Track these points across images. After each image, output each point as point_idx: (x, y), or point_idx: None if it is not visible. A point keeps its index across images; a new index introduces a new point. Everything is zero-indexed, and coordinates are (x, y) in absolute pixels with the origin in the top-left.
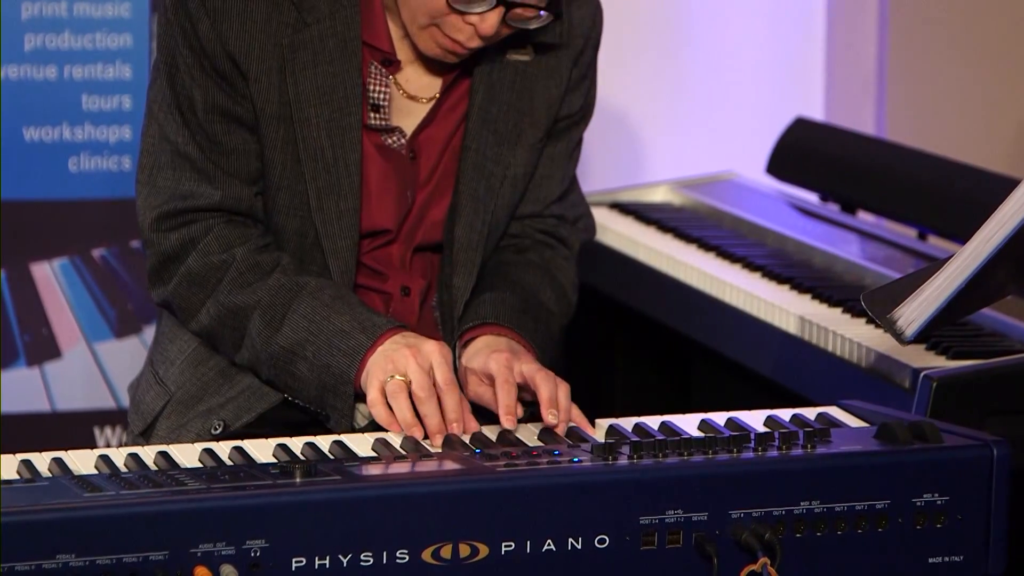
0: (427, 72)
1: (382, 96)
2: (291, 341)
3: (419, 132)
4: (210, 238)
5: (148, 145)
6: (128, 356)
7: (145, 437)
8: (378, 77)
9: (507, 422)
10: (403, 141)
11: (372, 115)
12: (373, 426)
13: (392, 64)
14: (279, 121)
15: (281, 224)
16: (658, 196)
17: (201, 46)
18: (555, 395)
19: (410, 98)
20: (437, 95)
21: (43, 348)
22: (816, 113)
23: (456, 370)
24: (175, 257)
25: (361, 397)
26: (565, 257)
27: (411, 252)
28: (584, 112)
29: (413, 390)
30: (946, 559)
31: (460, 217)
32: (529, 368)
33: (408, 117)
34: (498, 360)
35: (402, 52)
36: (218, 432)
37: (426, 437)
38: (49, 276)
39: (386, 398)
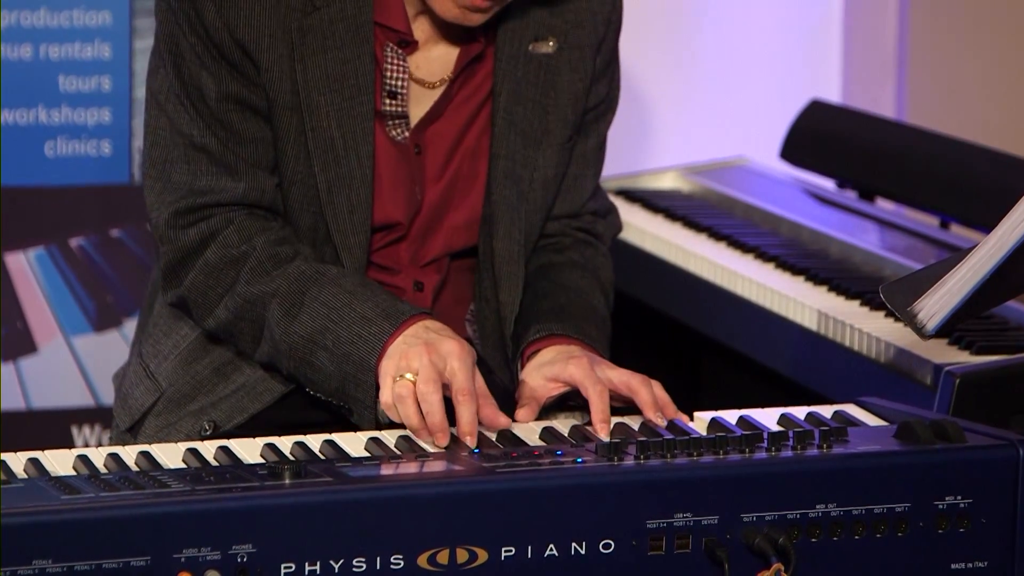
0: (439, 55)
1: (400, 83)
2: (310, 329)
3: (426, 125)
4: (230, 230)
5: (158, 138)
6: (108, 351)
7: (132, 434)
8: (395, 61)
9: (602, 430)
10: (407, 133)
11: (388, 102)
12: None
13: (409, 45)
14: (291, 111)
15: (295, 221)
16: (666, 183)
17: (208, 34)
18: (653, 396)
19: (416, 81)
20: (447, 78)
21: (18, 342)
22: (833, 95)
23: (514, 381)
24: (194, 252)
25: None
26: (604, 255)
27: (423, 255)
28: (610, 102)
29: (417, 385)
30: (969, 565)
31: (498, 229)
32: (615, 374)
33: (415, 104)
34: (580, 365)
35: (418, 31)
36: (207, 434)
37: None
38: (24, 267)
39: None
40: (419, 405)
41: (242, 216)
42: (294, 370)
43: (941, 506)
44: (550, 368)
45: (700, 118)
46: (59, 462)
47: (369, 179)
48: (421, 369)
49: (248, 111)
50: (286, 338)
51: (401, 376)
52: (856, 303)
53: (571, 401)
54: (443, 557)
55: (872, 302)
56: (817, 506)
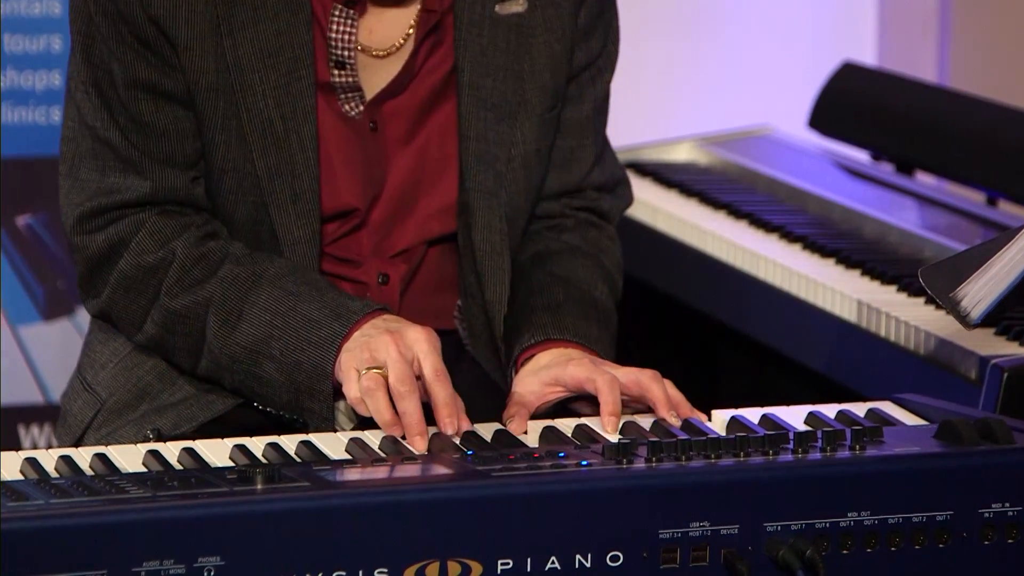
0: (391, 18)
1: (347, 53)
2: (253, 339)
3: (383, 100)
4: (142, 235)
5: (68, 131)
6: (58, 342)
7: None
8: (343, 27)
9: (611, 424)
10: (361, 108)
11: (336, 73)
12: (365, 427)
13: (357, 4)
14: (217, 93)
15: (229, 212)
16: (681, 154)
17: (118, 11)
18: (666, 392)
19: (364, 50)
20: (398, 45)
21: None
22: (867, 57)
23: (508, 385)
24: (105, 261)
25: (340, 395)
26: (610, 237)
27: (391, 245)
28: (606, 58)
29: (391, 383)
30: None
31: (476, 219)
32: (621, 372)
33: (367, 75)
34: (582, 364)
35: None
36: (152, 440)
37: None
38: None
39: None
40: (390, 399)
41: (154, 217)
42: (239, 384)
43: (987, 514)
44: (547, 372)
45: (718, 82)
46: (5, 465)
47: (314, 163)
48: (391, 364)
49: (161, 100)
50: (226, 350)
51: (367, 368)
52: (893, 289)
53: (571, 406)
54: (433, 570)
55: (910, 287)
56: (849, 514)
